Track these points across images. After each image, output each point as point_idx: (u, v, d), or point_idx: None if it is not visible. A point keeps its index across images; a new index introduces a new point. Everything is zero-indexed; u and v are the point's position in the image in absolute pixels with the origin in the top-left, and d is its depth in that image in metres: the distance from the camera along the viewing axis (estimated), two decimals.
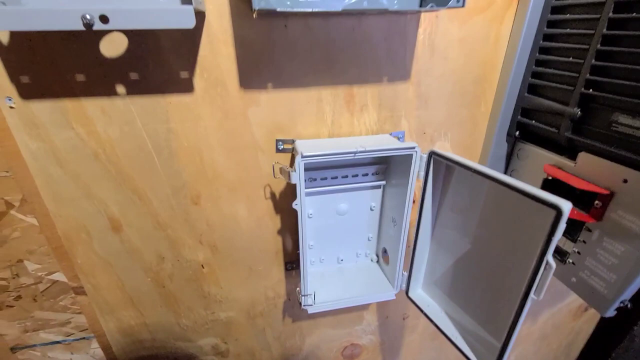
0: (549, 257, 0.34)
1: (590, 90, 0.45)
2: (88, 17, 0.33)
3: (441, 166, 0.49)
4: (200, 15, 0.43)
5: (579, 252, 0.49)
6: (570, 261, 0.51)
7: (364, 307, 0.77)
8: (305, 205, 0.56)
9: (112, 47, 0.43)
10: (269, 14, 0.45)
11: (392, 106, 0.55)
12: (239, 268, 0.64)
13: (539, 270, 0.35)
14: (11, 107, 0.44)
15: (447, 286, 0.56)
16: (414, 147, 0.47)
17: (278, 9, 0.35)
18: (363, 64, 0.50)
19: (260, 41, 0.46)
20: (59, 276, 0.63)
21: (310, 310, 0.58)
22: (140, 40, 0.43)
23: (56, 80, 0.43)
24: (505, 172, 0.62)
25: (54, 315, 0.70)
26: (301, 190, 0.47)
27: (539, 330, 1.00)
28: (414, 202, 0.53)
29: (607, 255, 0.45)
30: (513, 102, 0.56)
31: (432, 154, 0.47)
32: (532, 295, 0.37)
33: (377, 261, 0.67)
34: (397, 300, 0.76)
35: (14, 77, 0.42)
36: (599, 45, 0.43)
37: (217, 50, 0.45)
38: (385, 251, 0.64)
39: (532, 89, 0.54)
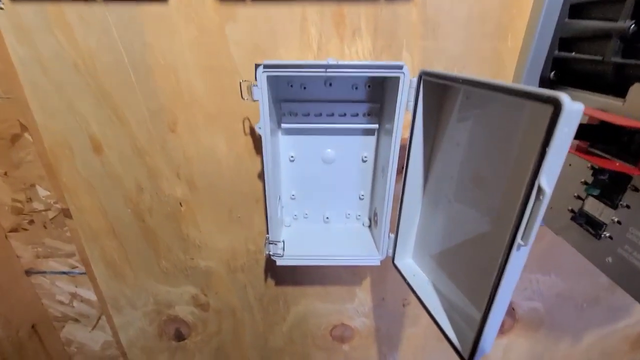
0: (542, 179, 0.24)
1: None
2: None
3: (435, 91, 0.40)
4: None
5: (619, 222, 0.36)
6: (607, 235, 0.38)
7: (355, 282, 0.68)
8: (279, 141, 0.51)
9: None
10: None
11: (391, 33, 0.47)
12: (218, 211, 0.60)
13: (528, 201, 0.25)
14: (1, 9, 0.45)
15: (438, 253, 0.46)
16: (401, 67, 0.39)
17: None
18: None
19: None
20: (61, 202, 0.65)
21: (279, 262, 0.52)
22: None
23: None
24: None
25: (61, 244, 0.73)
26: (264, 109, 0.41)
27: (582, 355, 0.81)
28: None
29: None
30: (550, 32, 0.44)
31: (422, 75, 0.39)
32: (518, 239, 0.27)
33: (370, 226, 0.59)
34: (394, 281, 0.67)
35: None
36: None
37: None
38: (376, 213, 0.55)
39: (575, 11, 0.42)
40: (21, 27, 0.46)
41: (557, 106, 0.22)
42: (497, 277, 0.29)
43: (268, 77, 0.40)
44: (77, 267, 0.75)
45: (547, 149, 0.23)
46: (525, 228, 0.26)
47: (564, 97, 0.22)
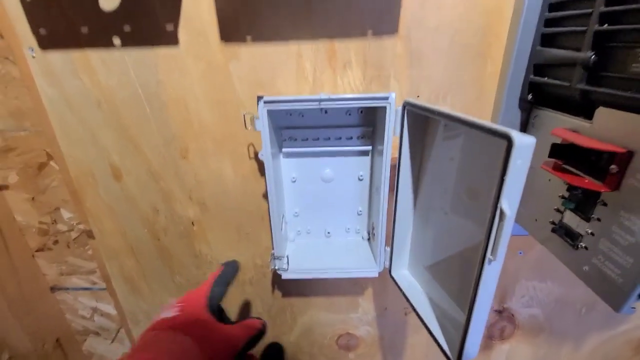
0: (503, 202, 0.28)
1: (605, 25, 0.36)
2: None
3: (418, 119, 0.44)
4: None
5: (592, 234, 0.39)
6: (583, 245, 0.41)
7: (358, 293, 0.72)
8: (280, 164, 0.55)
9: (109, 1, 0.48)
10: None
11: (379, 64, 0.51)
12: (227, 229, 0.65)
13: (493, 222, 0.29)
14: (33, 57, 0.52)
15: (430, 263, 0.49)
16: (386, 98, 0.43)
17: None
18: (345, 15, 0.48)
19: None
20: (85, 224, 0.71)
21: (284, 276, 0.56)
22: None
23: (66, 32, 0.50)
24: None
25: (83, 262, 0.79)
26: (266, 139, 0.46)
27: None
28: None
29: (623, 233, 0.35)
30: (525, 59, 0.48)
31: (405, 105, 0.43)
32: (488, 255, 0.30)
33: (368, 239, 0.63)
34: (395, 290, 0.70)
35: (34, 30, 0.50)
36: None
37: (198, 1, 0.48)
38: (374, 227, 0.59)
39: (546, 40, 0.46)
40: (50, 71, 0.53)
41: (509, 141, 0.26)
42: (474, 288, 0.33)
43: (268, 110, 0.45)
44: (97, 283, 0.81)
45: (504, 177, 0.27)
46: (493, 245, 0.30)
47: (514, 133, 0.26)
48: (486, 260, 0.31)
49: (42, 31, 0.50)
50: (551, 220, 0.46)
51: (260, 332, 0.41)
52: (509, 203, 0.28)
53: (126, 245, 0.68)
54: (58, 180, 0.68)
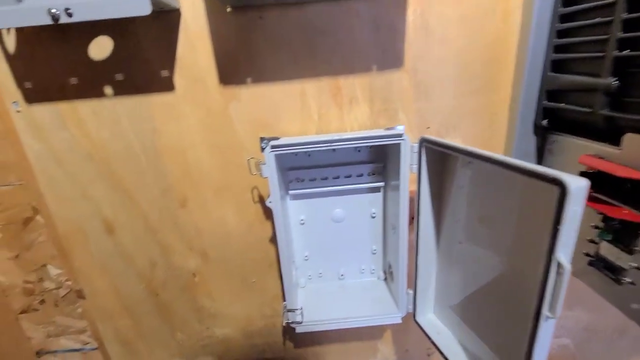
0: (560, 255, 0.25)
1: (627, 51, 0.35)
2: (54, 10, 0.35)
3: (436, 156, 0.41)
4: (175, 13, 0.44)
5: (638, 268, 0.36)
6: (628, 280, 0.38)
7: (376, 337, 0.67)
8: (288, 206, 0.52)
9: (99, 49, 0.46)
10: (243, 7, 0.44)
11: (386, 98, 0.49)
12: (231, 279, 0.60)
13: (548, 276, 0.26)
14: (18, 111, 0.48)
15: (460, 308, 0.45)
16: (401, 135, 0.41)
17: None
18: (348, 53, 0.47)
19: (236, 35, 0.45)
20: (75, 284, 0.65)
21: (299, 329, 0.51)
22: (123, 41, 0.45)
23: (53, 84, 0.47)
24: None
25: (72, 321, 0.72)
26: (274, 185, 0.43)
27: None
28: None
29: None
30: (536, 85, 0.47)
31: (423, 142, 0.40)
32: (544, 311, 0.27)
33: (385, 279, 0.58)
34: (416, 330, 0.65)
35: (19, 83, 0.47)
36: None
37: (195, 47, 0.46)
38: (390, 266, 0.55)
39: (557, 66, 0.44)
40: (36, 125, 0.49)
41: (563, 188, 0.23)
42: (529, 348, 0.29)
43: (275, 155, 0.41)
44: (89, 342, 0.73)
45: (559, 227, 0.24)
46: (551, 301, 0.26)
47: (566, 177, 0.24)
48: (542, 317, 0.27)
49: (28, 84, 0.47)
50: (585, 251, 0.43)
51: None
52: (565, 254, 0.25)
53: (120, 305, 0.62)
54: (45, 235, 0.62)
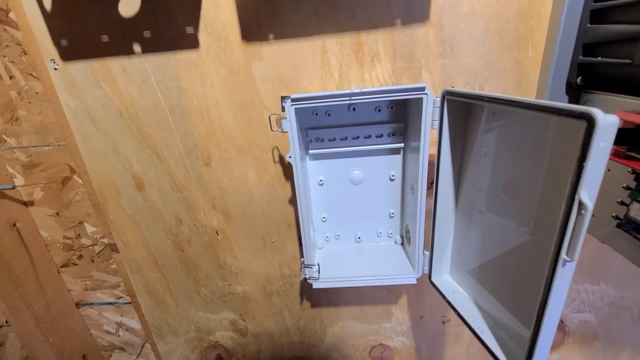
0: (583, 193, 0.24)
1: None
2: None
3: (459, 110, 0.40)
4: None
5: None
6: None
7: (391, 301, 0.68)
8: (307, 166, 0.53)
9: (128, 6, 0.47)
10: None
11: (410, 55, 0.48)
12: (252, 238, 0.62)
13: (569, 216, 0.25)
14: (55, 69, 0.51)
15: (476, 268, 0.45)
16: (423, 88, 0.40)
17: None
18: (371, 5, 0.46)
19: None
20: (109, 239, 0.70)
21: (316, 285, 0.52)
22: None
23: (86, 42, 0.49)
24: None
25: (107, 277, 0.78)
26: (294, 140, 0.43)
27: None
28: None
29: None
30: (572, 39, 0.44)
31: (445, 95, 0.39)
32: (563, 255, 0.26)
33: (402, 243, 0.59)
34: (431, 297, 0.66)
35: (56, 41, 0.49)
36: None
37: (218, 3, 0.46)
38: (408, 230, 0.55)
39: (596, 16, 0.41)
40: (72, 83, 0.52)
41: (590, 122, 0.23)
42: (544, 294, 0.29)
43: (296, 110, 0.42)
44: (122, 297, 0.79)
45: (584, 163, 0.23)
46: (569, 243, 0.26)
47: (597, 112, 0.23)
48: (560, 261, 0.27)
49: (64, 42, 0.49)
50: (614, 214, 0.41)
51: None
52: (589, 193, 0.24)
53: (150, 258, 0.66)
54: (81, 194, 0.67)
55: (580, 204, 0.24)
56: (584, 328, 0.68)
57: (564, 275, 0.28)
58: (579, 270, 0.62)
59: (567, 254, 0.26)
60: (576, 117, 0.24)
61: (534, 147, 0.35)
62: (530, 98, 0.29)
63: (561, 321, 0.68)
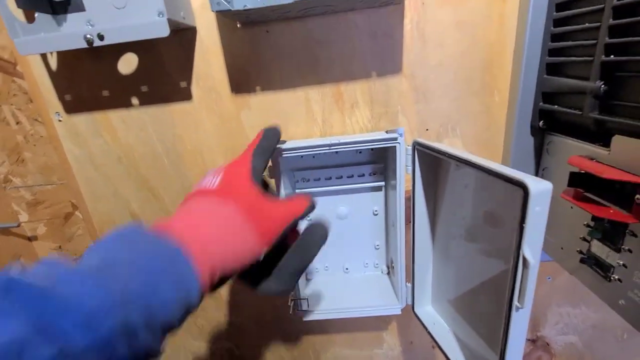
0: (525, 250, 0.27)
1: (612, 56, 0.36)
2: (89, 36, 0.41)
3: (428, 158, 0.44)
4: (191, 30, 0.49)
5: (625, 265, 0.38)
6: (616, 277, 0.39)
7: (381, 327, 0.70)
8: None
9: (127, 65, 0.52)
10: (251, 23, 0.48)
11: (386, 101, 0.52)
12: None
13: (517, 269, 0.28)
14: (59, 121, 0.55)
15: (454, 299, 0.48)
16: (395, 139, 0.44)
17: (233, 9, 0.38)
18: (347, 61, 0.50)
19: (245, 49, 0.50)
20: None
21: (305, 318, 0.55)
22: (147, 57, 0.51)
23: (89, 97, 0.53)
24: (537, 172, 0.52)
25: None
26: (281, 187, 0.47)
27: None
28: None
29: None
30: (532, 87, 0.48)
31: (415, 145, 0.43)
32: (515, 302, 0.29)
33: (388, 273, 0.62)
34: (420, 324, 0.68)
35: (61, 96, 0.54)
36: (615, 0, 0.35)
37: (209, 60, 0.51)
38: (392, 261, 0.58)
39: (552, 69, 0.46)
40: (75, 133, 0.56)
41: (525, 190, 0.26)
42: (504, 335, 0.32)
43: (281, 158, 0.46)
44: None
45: (524, 225, 0.27)
46: (519, 293, 0.29)
47: (530, 181, 0.26)
48: (513, 308, 0.30)
49: (67, 97, 0.54)
50: (578, 249, 0.44)
51: (309, 209, 0.35)
52: (532, 251, 0.27)
53: None
54: (83, 229, 0.70)
55: (525, 260, 0.28)
56: (570, 350, 0.70)
57: (519, 319, 0.31)
58: (559, 294, 0.65)
59: (518, 302, 0.29)
60: (514, 184, 0.27)
61: (489, 200, 0.38)
62: (478, 157, 0.33)
63: (547, 343, 0.70)
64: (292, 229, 0.34)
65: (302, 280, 0.57)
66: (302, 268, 0.35)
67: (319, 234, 0.35)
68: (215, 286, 0.28)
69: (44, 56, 0.51)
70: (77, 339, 0.18)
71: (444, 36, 0.48)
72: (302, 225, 0.36)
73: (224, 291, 0.67)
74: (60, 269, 0.21)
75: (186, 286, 0.24)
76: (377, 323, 0.69)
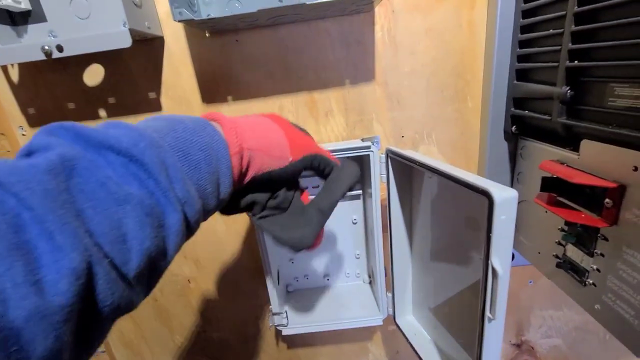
0: (494, 260, 0.27)
1: (575, 62, 0.36)
2: (46, 47, 0.39)
3: (402, 166, 0.43)
4: (158, 40, 0.48)
5: (598, 270, 0.38)
6: (591, 282, 0.39)
7: (367, 338, 0.69)
8: None
9: (93, 76, 0.50)
10: (220, 32, 0.47)
11: (361, 109, 0.52)
12: (224, 285, 0.63)
13: (487, 279, 0.28)
14: (23, 135, 0.53)
15: (435, 308, 0.47)
16: (369, 147, 0.43)
17: (195, 19, 0.37)
18: (320, 69, 0.49)
19: (215, 58, 0.49)
20: None
21: (285, 332, 0.53)
22: (114, 68, 0.49)
23: (53, 109, 0.51)
24: (512, 176, 0.52)
25: None
26: None
27: None
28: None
29: (630, 270, 0.34)
30: (503, 93, 0.48)
31: (388, 153, 0.43)
32: (487, 314, 0.29)
33: (370, 282, 0.61)
34: None
35: (24, 109, 0.52)
36: (576, 7, 0.35)
37: (178, 70, 0.49)
38: (373, 271, 0.57)
39: (521, 75, 0.46)
40: None
41: (490, 198, 0.25)
42: (478, 346, 0.31)
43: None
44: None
45: (490, 234, 0.26)
46: (490, 304, 0.28)
47: (494, 190, 0.26)
48: (486, 319, 0.29)
49: (31, 110, 0.52)
50: (554, 253, 0.44)
51: (335, 164, 0.34)
52: (500, 261, 0.27)
53: None
54: None
55: (494, 270, 0.27)
56: (554, 352, 0.70)
57: (492, 330, 0.30)
58: (541, 298, 0.65)
59: (490, 313, 0.29)
60: (479, 192, 0.27)
61: (464, 208, 0.38)
62: (447, 165, 0.32)
63: (532, 347, 0.70)
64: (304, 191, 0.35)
65: (281, 292, 0.56)
66: (331, 204, 0.32)
67: (348, 170, 0.34)
68: (242, 191, 0.28)
69: (4, 68, 0.49)
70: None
71: (415, 43, 0.48)
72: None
73: (202, 306, 0.65)
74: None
75: (215, 153, 0.23)
76: (362, 334, 0.68)
